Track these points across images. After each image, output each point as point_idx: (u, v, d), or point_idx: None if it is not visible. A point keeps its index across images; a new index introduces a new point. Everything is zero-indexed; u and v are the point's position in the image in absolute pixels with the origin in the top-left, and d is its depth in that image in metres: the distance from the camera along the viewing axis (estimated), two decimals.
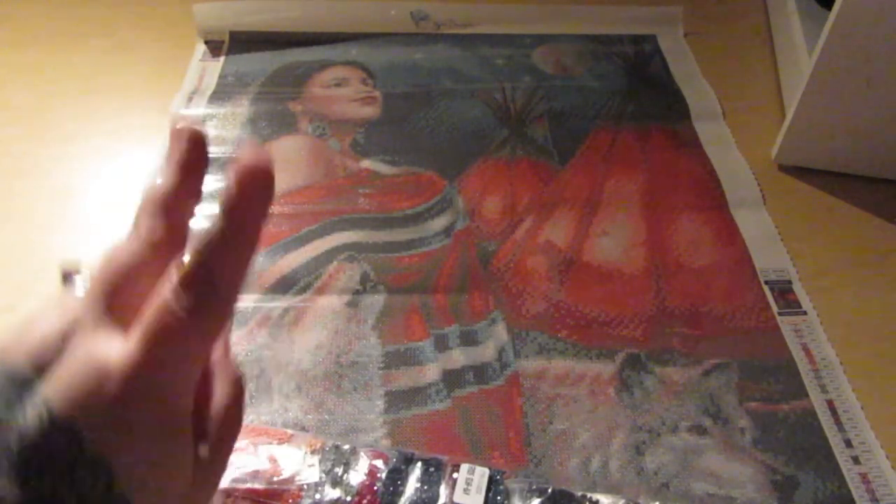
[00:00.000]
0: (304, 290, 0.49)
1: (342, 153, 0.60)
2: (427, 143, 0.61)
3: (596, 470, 0.40)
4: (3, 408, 0.19)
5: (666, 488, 0.40)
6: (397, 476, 0.37)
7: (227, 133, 0.61)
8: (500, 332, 0.47)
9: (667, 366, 0.45)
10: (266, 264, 0.50)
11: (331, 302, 0.48)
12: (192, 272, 0.19)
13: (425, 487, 0.36)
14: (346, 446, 0.38)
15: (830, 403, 0.44)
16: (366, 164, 0.59)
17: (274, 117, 0.63)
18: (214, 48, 0.70)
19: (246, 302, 0.48)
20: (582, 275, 0.51)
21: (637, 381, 0.45)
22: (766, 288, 0.50)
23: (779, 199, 0.57)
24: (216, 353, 0.25)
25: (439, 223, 0.54)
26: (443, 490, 0.36)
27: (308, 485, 0.36)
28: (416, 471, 0.37)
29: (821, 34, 0.52)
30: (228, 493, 0.35)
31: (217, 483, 0.25)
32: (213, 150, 0.59)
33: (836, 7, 0.50)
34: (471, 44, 0.71)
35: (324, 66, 0.68)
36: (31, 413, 0.18)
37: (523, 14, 0.74)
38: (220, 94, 0.65)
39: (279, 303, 0.48)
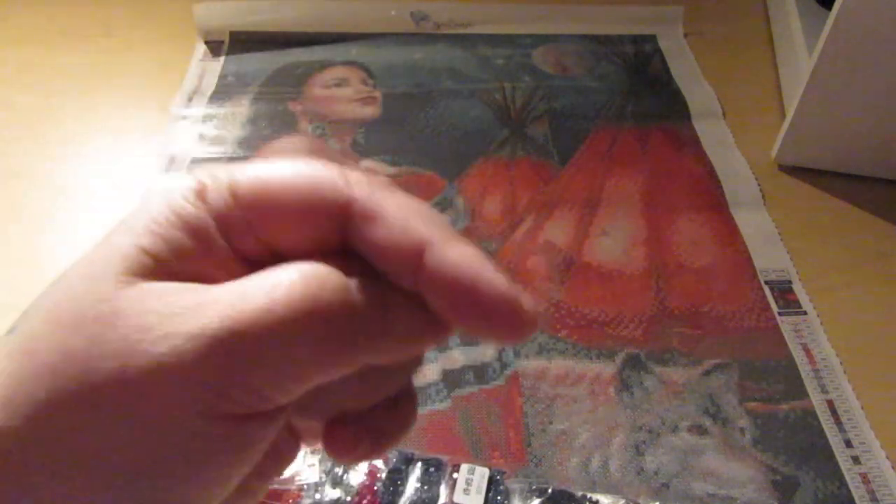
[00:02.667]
0: None
1: (342, 153, 0.59)
2: (427, 143, 0.61)
3: (596, 470, 0.40)
4: None
5: (666, 488, 0.40)
6: (397, 476, 0.37)
7: (227, 133, 0.61)
8: None
9: (667, 366, 0.45)
10: None
11: None
12: None
13: (425, 487, 0.36)
14: None
15: (830, 403, 0.44)
16: (366, 164, 0.59)
17: (274, 117, 0.63)
18: (214, 48, 0.70)
19: None
20: (582, 275, 0.51)
21: (637, 381, 0.45)
22: (766, 288, 0.50)
23: (779, 199, 0.57)
24: None
25: None
26: (443, 490, 0.36)
27: (308, 485, 0.36)
28: (416, 471, 0.37)
29: (821, 34, 0.52)
30: None
31: None
32: (213, 151, 0.59)
33: (836, 7, 0.50)
34: (471, 44, 0.71)
35: (324, 66, 0.68)
36: None
37: (523, 14, 0.74)
38: (221, 94, 0.65)
39: None
